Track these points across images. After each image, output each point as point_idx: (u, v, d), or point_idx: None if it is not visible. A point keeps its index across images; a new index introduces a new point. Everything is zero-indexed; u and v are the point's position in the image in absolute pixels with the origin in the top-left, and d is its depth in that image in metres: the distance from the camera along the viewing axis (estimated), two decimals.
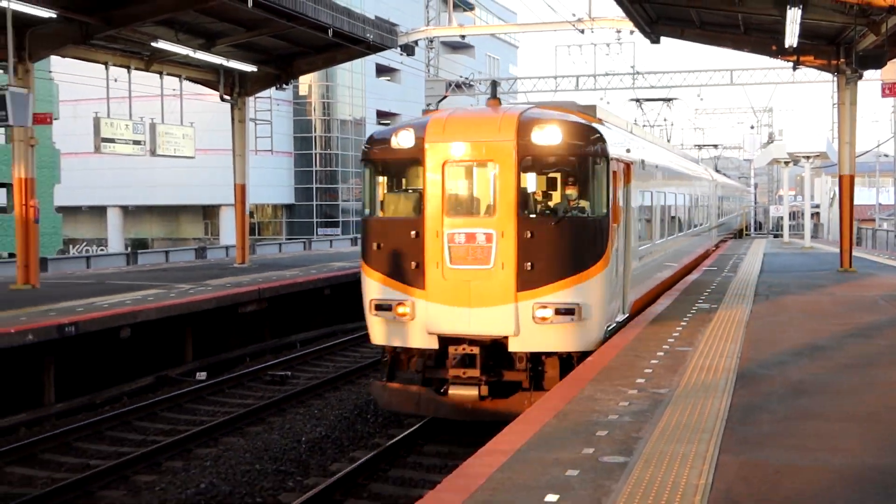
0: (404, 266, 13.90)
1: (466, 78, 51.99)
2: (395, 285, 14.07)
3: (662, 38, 28.67)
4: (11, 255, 34.31)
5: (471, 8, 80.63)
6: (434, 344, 13.79)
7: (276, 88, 33.10)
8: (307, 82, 79.40)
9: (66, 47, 24.53)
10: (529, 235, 13.39)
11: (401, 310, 13.89)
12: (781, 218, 60.28)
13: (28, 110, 20.71)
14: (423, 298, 13.78)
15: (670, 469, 7.44)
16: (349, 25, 26.70)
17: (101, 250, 71.65)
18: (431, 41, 50.46)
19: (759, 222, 74.49)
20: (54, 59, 37.56)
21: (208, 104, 40.67)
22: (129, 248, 65.54)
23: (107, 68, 26.05)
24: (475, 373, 13.33)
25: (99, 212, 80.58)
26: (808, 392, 10.41)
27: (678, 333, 14.65)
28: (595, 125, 14.70)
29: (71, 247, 72.83)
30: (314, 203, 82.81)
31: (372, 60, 73.40)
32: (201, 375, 20.49)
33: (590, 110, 16.06)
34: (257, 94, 34.40)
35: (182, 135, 28.73)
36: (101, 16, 22.26)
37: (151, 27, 24.32)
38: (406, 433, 14.69)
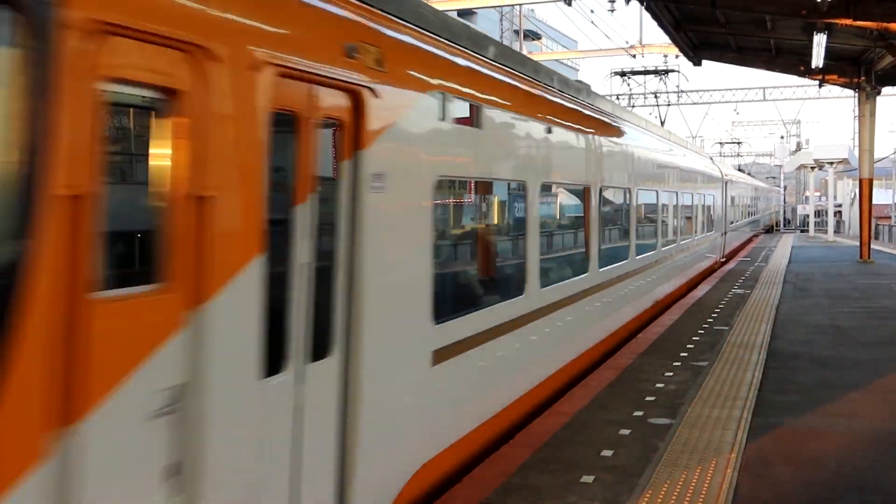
0: None
1: None
2: None
3: (704, 61, 28.47)
4: None
5: (538, 38, 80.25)
6: None
7: None
8: None
9: None
10: None
11: None
12: (807, 216, 59.22)
13: None
14: None
15: (709, 430, 7.38)
16: None
17: None
18: None
19: (787, 219, 73.06)
20: None
21: None
22: None
23: None
24: None
25: None
26: (831, 366, 10.24)
27: (716, 315, 14.51)
28: None
29: None
30: None
31: None
32: None
33: None
34: None
35: None
36: None
37: None
38: None
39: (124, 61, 3.19)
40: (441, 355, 6.04)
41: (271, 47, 4.03)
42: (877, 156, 28.83)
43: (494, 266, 8.11)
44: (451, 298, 6.78)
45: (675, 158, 17.64)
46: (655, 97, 34.93)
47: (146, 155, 3.48)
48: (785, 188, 76.74)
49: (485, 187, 7.77)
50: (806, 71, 27.07)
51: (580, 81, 11.60)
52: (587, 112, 10.68)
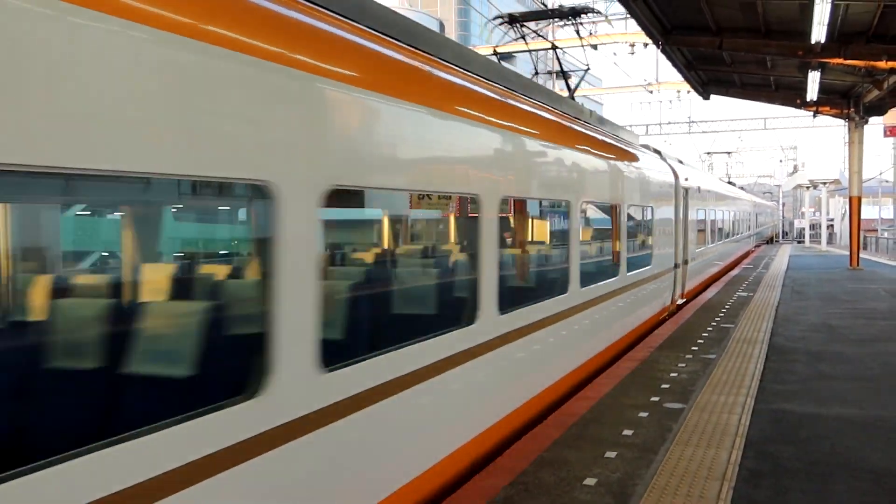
0: None
1: None
2: None
3: (712, 96, 28.39)
4: None
5: (568, 77, 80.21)
6: None
7: None
8: None
9: None
10: None
11: None
12: (803, 229, 58.41)
13: None
14: None
15: (717, 414, 7.31)
16: None
17: None
18: None
19: (785, 232, 72.04)
20: None
21: None
22: None
23: None
24: None
25: None
26: (825, 360, 10.07)
27: (723, 314, 14.34)
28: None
29: None
30: None
31: None
32: None
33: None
34: None
35: None
36: None
37: None
38: None
39: None
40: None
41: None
42: (865, 176, 28.57)
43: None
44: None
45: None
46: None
47: None
48: (783, 205, 75.56)
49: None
50: (802, 103, 27.01)
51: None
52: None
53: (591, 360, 9.27)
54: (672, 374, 9.03)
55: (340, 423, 4.15)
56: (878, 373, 9.27)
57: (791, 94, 26.72)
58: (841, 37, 18.12)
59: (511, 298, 6.64)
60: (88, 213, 6.33)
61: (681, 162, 19.60)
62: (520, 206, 7.76)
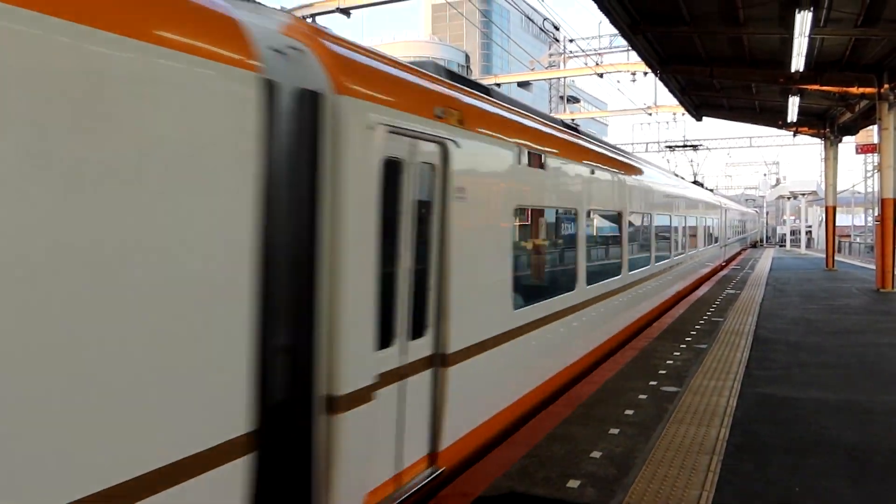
0: None
1: None
2: None
3: (704, 118, 28.17)
4: None
5: (577, 101, 79.90)
6: None
7: None
8: None
9: None
10: None
11: None
12: (785, 234, 57.70)
13: None
14: None
15: (708, 396, 7.24)
16: None
17: None
18: None
19: (768, 237, 71.12)
20: None
21: None
22: None
23: None
24: None
25: None
26: (803, 349, 9.92)
27: (714, 309, 14.19)
28: None
29: None
30: None
31: None
32: None
33: None
34: None
35: None
36: None
37: None
38: None
39: None
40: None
41: None
42: (839, 188, 28.24)
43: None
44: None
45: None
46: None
47: None
48: (767, 213, 74.56)
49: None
50: (783, 124, 26.80)
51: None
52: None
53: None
54: (668, 362, 8.96)
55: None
56: (851, 361, 9.13)
57: (773, 116, 26.44)
58: (817, 66, 17.91)
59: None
60: None
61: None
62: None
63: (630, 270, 10.74)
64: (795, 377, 8.21)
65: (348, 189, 3.71)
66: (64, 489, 2.39)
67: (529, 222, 7.10)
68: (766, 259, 33.89)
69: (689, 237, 16.13)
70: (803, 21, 13.11)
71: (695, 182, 16.64)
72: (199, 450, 2.85)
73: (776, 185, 67.23)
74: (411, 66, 4.99)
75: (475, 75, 64.98)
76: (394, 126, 4.16)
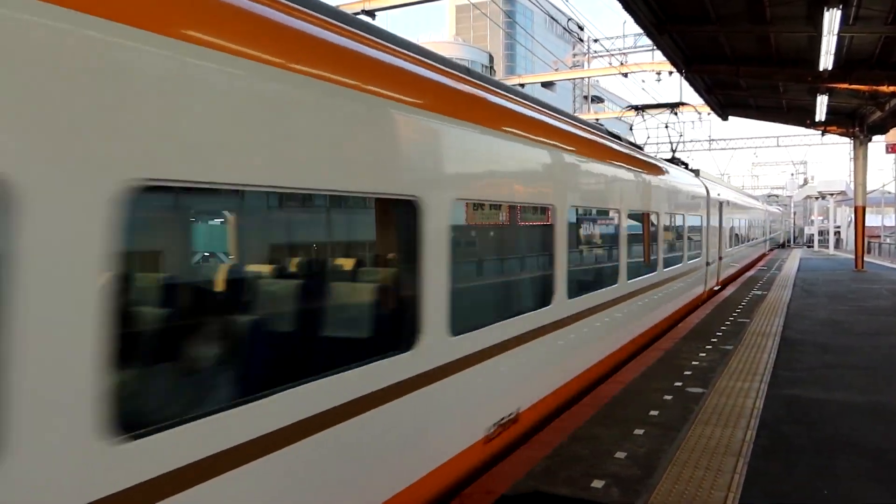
0: None
1: None
2: None
3: (730, 117, 27.86)
4: None
5: (601, 101, 79.48)
6: None
7: None
8: None
9: None
10: None
11: None
12: (813, 235, 56.92)
13: None
14: None
15: (734, 398, 7.18)
16: None
17: None
18: None
19: (795, 238, 70.14)
20: None
21: None
22: None
23: None
24: None
25: None
26: (831, 351, 9.80)
27: (740, 310, 14.05)
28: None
29: None
30: None
31: None
32: None
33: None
34: None
35: None
36: None
37: None
38: None
39: None
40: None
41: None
42: (868, 188, 27.78)
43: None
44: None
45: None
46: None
47: None
48: (794, 213, 73.56)
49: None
50: (811, 123, 26.36)
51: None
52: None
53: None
54: (694, 363, 8.90)
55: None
56: (880, 363, 8.99)
57: (801, 116, 26.08)
58: (846, 64, 17.64)
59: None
60: None
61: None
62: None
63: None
64: (823, 379, 8.11)
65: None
66: None
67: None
68: (793, 260, 33.47)
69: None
70: (832, 19, 12.94)
71: (673, 160, 14.39)
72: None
73: (804, 185, 66.38)
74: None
75: (499, 76, 64.82)
76: None
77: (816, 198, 52.31)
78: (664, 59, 19.11)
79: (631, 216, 9.29)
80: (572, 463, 5.27)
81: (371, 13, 22.01)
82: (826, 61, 15.14)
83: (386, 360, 3.85)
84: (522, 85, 36.43)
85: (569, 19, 33.26)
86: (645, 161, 10.55)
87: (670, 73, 33.21)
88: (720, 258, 18.28)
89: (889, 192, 59.31)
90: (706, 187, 16.32)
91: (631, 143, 11.14)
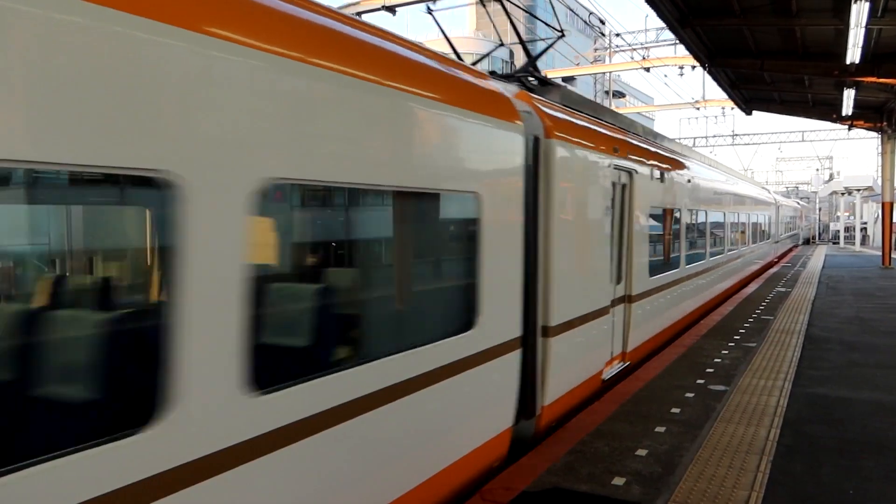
0: None
1: None
2: None
3: (754, 112, 27.53)
4: None
5: (623, 96, 78.88)
6: None
7: None
8: None
9: None
10: None
11: None
12: (839, 231, 56.12)
13: None
14: None
15: (757, 396, 7.10)
16: None
17: None
18: None
19: (821, 234, 69.20)
20: None
21: None
22: None
23: None
24: None
25: None
26: (857, 349, 9.65)
27: (763, 307, 13.89)
28: None
29: None
30: None
31: None
32: None
33: None
34: None
35: None
36: None
37: None
38: None
39: None
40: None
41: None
42: None
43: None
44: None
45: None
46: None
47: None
48: (819, 209, 72.56)
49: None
50: (837, 118, 25.97)
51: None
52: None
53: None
54: (716, 360, 8.82)
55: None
56: None
57: (827, 110, 25.69)
58: (874, 58, 17.34)
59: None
60: None
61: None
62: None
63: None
64: (849, 377, 8.00)
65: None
66: None
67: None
68: (818, 257, 33.02)
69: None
70: (859, 11, 12.71)
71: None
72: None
73: (829, 180, 65.47)
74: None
75: None
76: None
77: (843, 193, 51.54)
78: (687, 53, 18.90)
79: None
80: (593, 459, 5.25)
81: (391, 9, 21.97)
82: (853, 54, 14.89)
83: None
84: None
85: (590, 14, 32.96)
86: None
87: (693, 67, 32.87)
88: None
89: None
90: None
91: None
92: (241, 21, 2.89)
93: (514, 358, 5.19)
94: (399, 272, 4.43)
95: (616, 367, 7.84)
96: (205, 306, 2.68)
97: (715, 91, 46.70)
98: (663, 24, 15.81)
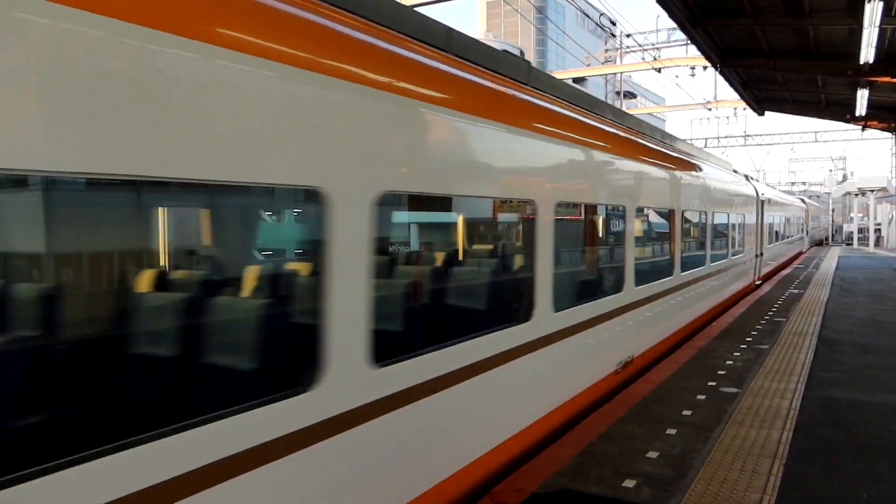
0: None
1: None
2: None
3: (766, 112, 27.38)
4: None
5: (634, 97, 78.63)
6: None
7: None
8: None
9: None
10: None
11: None
12: (852, 232, 55.73)
13: None
14: None
15: (769, 398, 7.04)
16: None
17: None
18: None
19: (834, 235, 68.73)
20: None
21: None
22: None
23: None
24: None
25: None
26: (870, 351, 9.56)
27: (776, 309, 13.79)
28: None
29: None
30: None
31: None
32: None
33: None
34: None
35: None
36: None
37: None
38: None
39: None
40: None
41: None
42: None
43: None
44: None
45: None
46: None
47: None
48: (833, 210, 72.06)
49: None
50: (851, 118, 25.74)
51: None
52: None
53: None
54: (728, 362, 8.75)
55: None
56: None
57: (840, 110, 25.49)
58: (888, 57, 17.18)
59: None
60: None
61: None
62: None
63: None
64: (863, 380, 7.92)
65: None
66: None
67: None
68: (831, 258, 32.78)
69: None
70: (873, 11, 12.61)
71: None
72: None
73: (843, 181, 65.02)
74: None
75: None
76: None
77: (856, 194, 51.19)
78: (698, 53, 18.80)
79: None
80: (603, 461, 5.21)
81: None
82: (867, 54, 14.77)
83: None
84: None
85: (601, 14, 32.86)
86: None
87: (704, 67, 32.74)
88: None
89: None
90: None
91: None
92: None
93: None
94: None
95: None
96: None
97: (727, 91, 46.47)
98: (675, 25, 15.73)
